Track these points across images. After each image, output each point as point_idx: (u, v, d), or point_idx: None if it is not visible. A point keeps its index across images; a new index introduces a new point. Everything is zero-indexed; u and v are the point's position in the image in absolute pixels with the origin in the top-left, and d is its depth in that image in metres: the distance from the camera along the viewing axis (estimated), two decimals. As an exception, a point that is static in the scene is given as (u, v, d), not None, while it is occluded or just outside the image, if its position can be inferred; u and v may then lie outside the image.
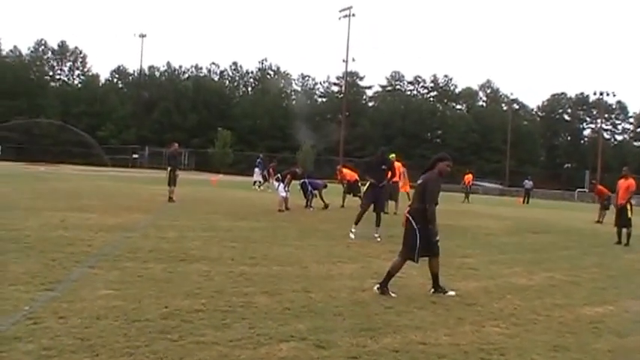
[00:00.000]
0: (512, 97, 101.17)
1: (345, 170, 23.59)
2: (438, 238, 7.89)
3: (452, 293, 7.99)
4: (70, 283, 7.23)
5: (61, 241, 10.33)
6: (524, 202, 43.44)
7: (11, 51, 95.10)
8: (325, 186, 23.07)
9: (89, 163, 68.23)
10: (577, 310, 7.77)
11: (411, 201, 8.12)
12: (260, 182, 34.31)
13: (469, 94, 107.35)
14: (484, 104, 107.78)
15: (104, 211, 16.09)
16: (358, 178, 22.38)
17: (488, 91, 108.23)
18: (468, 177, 40.03)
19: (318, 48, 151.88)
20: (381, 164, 14.26)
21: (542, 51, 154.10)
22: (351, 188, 22.98)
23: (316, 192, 22.29)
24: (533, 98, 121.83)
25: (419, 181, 8.07)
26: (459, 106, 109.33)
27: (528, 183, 45.66)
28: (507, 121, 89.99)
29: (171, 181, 21.03)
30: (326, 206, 21.66)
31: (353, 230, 13.67)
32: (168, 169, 21.52)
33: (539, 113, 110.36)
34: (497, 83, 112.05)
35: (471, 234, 16.59)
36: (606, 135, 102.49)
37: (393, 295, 7.70)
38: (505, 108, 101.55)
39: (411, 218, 7.83)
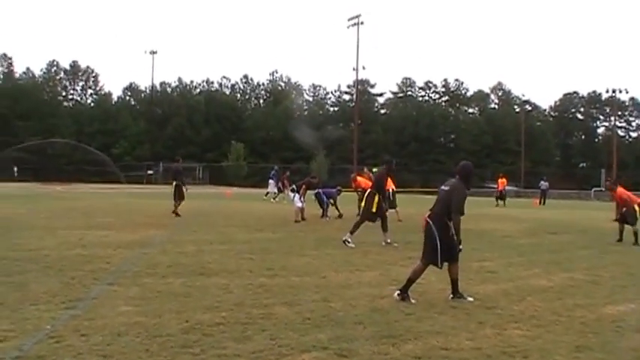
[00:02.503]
0: (524, 99, 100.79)
1: (359, 178, 23.51)
2: (461, 247, 7.87)
3: (470, 299, 7.95)
4: (90, 301, 7.28)
5: (80, 260, 10.41)
6: (540, 203, 43.12)
7: (24, 73, 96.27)
8: (340, 192, 23.04)
9: (104, 181, 68.60)
10: (598, 310, 7.71)
11: (433, 205, 8.06)
12: (275, 193, 34.30)
13: (481, 97, 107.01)
14: (496, 106, 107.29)
15: (121, 228, 16.17)
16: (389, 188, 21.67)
17: (500, 94, 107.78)
18: (502, 181, 39.95)
19: (328, 57, 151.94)
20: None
21: (553, 51, 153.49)
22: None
23: (331, 201, 22.30)
24: (545, 98, 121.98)
25: (445, 188, 8.01)
26: (471, 110, 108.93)
27: (544, 184, 45.38)
28: (520, 122, 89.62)
29: (178, 196, 21.14)
30: (340, 215, 21.65)
31: (349, 240, 13.72)
32: (174, 183, 21.59)
33: (552, 113, 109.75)
34: (509, 85, 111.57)
35: (488, 237, 16.54)
36: (620, 132, 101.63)
37: (413, 301, 7.68)
38: (517, 109, 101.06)
39: (431, 223, 7.80)
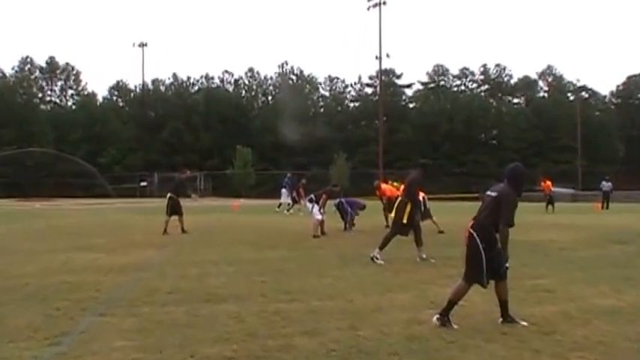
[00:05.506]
0: (579, 84, 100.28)
1: (384, 186, 23.47)
2: (507, 265, 7.80)
3: (524, 323, 7.87)
4: (79, 335, 7.30)
5: (65, 287, 10.47)
6: (603, 207, 42.80)
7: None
8: (364, 207, 23.03)
9: (91, 195, 69.16)
10: (680, 334, 7.59)
11: (477, 213, 8.01)
12: (289, 204, 34.40)
13: (527, 85, 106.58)
14: (545, 95, 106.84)
15: (113, 249, 16.29)
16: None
17: (550, 79, 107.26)
18: (547, 184, 39.89)
19: (347, 45, 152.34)
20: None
21: (612, 26, 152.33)
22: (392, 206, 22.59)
23: (356, 211, 22.29)
24: (605, 83, 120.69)
25: (492, 194, 7.98)
26: (515, 100, 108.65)
27: (606, 185, 44.95)
28: (575, 112, 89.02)
29: (171, 211, 21.42)
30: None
31: (378, 257, 13.65)
32: (168, 195, 21.89)
33: (614, 100, 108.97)
34: (560, 69, 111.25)
35: (542, 249, 16.40)
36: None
37: (455, 326, 7.63)
38: (571, 97, 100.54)
39: (475, 235, 7.76)
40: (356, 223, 22.15)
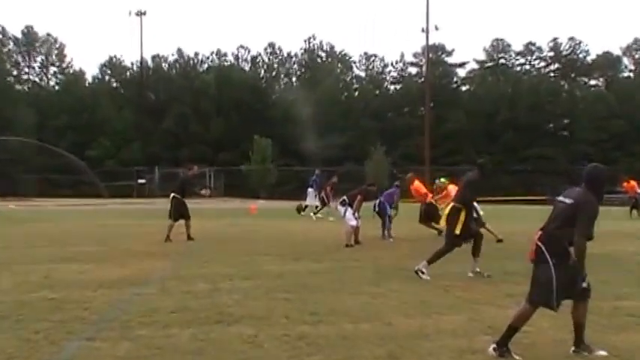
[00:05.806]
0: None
1: (417, 183, 23.22)
2: (585, 284, 7.69)
3: (603, 353, 7.79)
4: (63, 364, 7.34)
5: (47, 306, 10.51)
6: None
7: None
8: (399, 187, 23.02)
9: (79, 194, 69.53)
10: None
11: (545, 222, 7.92)
12: (317, 207, 34.37)
13: (608, 63, 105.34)
14: (631, 75, 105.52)
15: (104, 259, 16.42)
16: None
17: (637, 56, 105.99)
18: (631, 184, 39.70)
19: (386, 16, 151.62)
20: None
21: None
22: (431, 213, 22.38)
23: (393, 211, 22.27)
24: None
25: (566, 200, 7.90)
26: (593, 82, 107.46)
27: None
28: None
29: (177, 214, 21.66)
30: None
31: (424, 271, 13.60)
32: (171, 195, 22.03)
33: None
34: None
35: (624, 264, 16.30)
36: None
37: (516, 357, 7.58)
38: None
39: (543, 248, 7.69)
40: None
